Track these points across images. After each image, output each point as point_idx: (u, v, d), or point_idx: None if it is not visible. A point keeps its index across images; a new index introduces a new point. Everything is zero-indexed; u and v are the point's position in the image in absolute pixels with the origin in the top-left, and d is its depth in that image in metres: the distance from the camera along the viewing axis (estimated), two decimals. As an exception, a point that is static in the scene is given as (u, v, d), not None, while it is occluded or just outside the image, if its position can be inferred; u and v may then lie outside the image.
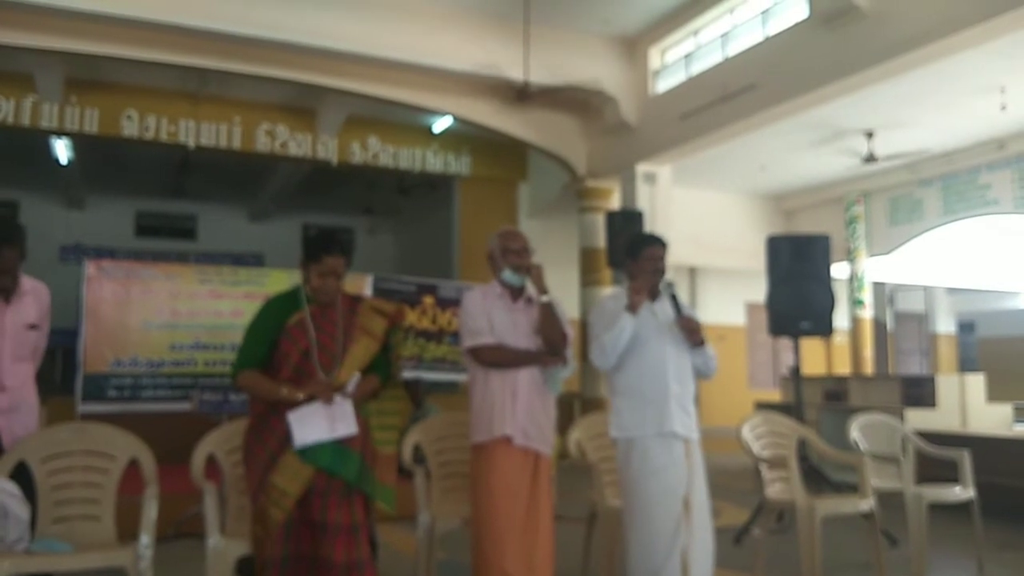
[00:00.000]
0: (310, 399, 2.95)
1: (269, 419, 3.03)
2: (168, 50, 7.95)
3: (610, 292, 3.63)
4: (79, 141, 11.05)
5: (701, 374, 3.67)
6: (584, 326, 10.27)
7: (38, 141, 11.12)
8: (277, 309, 3.14)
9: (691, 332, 3.51)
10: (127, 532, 3.23)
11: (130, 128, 10.04)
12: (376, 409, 3.22)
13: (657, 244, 3.67)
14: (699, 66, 8.90)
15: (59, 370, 10.56)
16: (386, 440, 3.24)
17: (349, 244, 3.49)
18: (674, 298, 3.57)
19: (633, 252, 3.69)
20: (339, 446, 2.99)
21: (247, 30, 7.72)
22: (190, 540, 4.89)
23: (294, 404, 2.95)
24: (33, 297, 3.65)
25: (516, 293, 3.52)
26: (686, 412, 3.53)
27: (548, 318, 3.42)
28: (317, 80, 8.67)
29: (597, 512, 4.11)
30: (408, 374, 7.54)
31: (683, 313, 3.54)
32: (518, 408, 3.34)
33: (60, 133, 10.11)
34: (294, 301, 3.14)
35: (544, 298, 3.43)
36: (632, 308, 3.47)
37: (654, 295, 3.63)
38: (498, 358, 3.39)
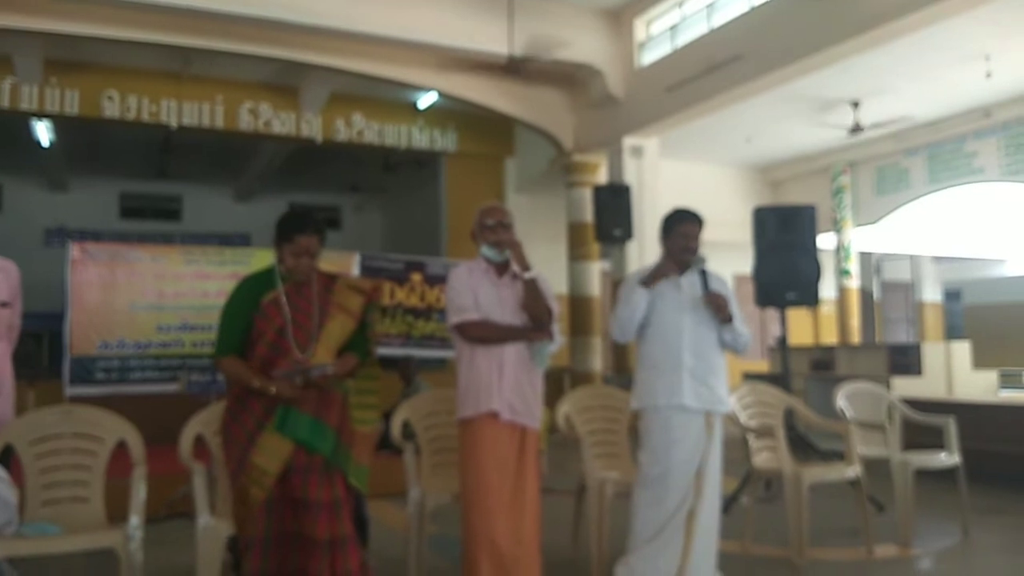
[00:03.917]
0: (281, 393, 2.94)
1: (247, 400, 3.02)
2: (149, 29, 7.85)
3: (640, 268, 3.65)
4: (60, 123, 10.93)
5: (732, 349, 3.69)
6: (572, 301, 10.35)
7: (18, 123, 10.99)
8: (250, 289, 3.13)
9: (718, 308, 3.53)
10: (117, 514, 3.22)
11: (111, 109, 9.94)
12: (355, 387, 3.22)
13: (691, 220, 3.64)
14: (684, 37, 8.85)
15: (46, 353, 10.52)
16: (364, 419, 3.24)
17: (323, 223, 3.46)
18: (703, 273, 3.57)
19: (666, 228, 3.68)
20: (316, 421, 2.99)
21: (228, 7, 7.61)
22: (180, 520, 4.91)
23: (266, 394, 2.95)
24: (3, 275, 3.59)
25: (501, 268, 3.49)
26: (704, 385, 3.56)
27: (532, 294, 3.40)
28: (299, 57, 8.58)
29: (586, 484, 4.14)
30: (398, 351, 7.53)
31: (709, 288, 3.54)
32: (504, 383, 3.34)
33: (40, 115, 10.01)
34: (268, 280, 3.13)
35: (527, 274, 3.40)
36: (646, 283, 3.52)
37: (683, 268, 3.63)
38: (484, 334, 3.38)
